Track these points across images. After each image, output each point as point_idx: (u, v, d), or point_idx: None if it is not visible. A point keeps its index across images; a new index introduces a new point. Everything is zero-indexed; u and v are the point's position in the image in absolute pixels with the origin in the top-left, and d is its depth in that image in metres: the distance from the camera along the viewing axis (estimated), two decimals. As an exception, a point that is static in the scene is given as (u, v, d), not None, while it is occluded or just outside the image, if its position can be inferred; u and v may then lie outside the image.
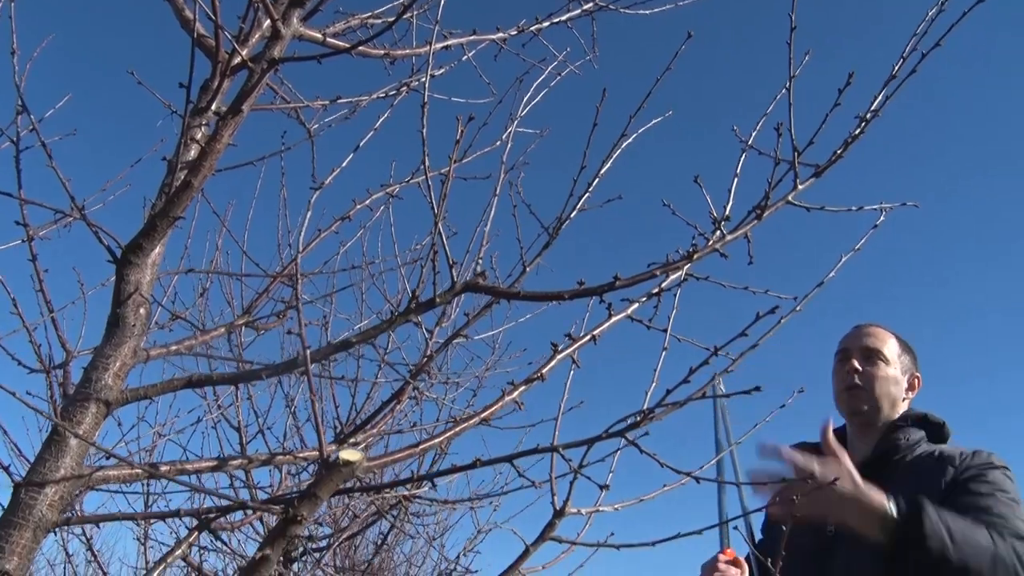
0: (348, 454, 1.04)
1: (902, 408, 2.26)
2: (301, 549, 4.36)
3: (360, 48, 1.53)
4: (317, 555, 3.82)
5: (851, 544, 1.99)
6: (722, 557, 2.20)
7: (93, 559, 4.09)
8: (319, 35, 1.59)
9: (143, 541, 4.26)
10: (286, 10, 1.44)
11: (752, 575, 2.25)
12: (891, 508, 1.80)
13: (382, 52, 1.72)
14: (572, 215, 1.66)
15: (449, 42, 1.79)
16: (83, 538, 4.12)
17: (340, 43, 1.59)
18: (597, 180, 1.69)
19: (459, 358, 4.04)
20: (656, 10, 2.19)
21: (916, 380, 2.32)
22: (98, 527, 1.46)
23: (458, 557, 4.04)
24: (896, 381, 2.25)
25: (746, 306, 1.57)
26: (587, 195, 1.67)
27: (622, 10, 2.14)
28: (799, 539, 1.85)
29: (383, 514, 3.84)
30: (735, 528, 2.00)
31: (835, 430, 2.15)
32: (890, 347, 2.27)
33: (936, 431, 2.21)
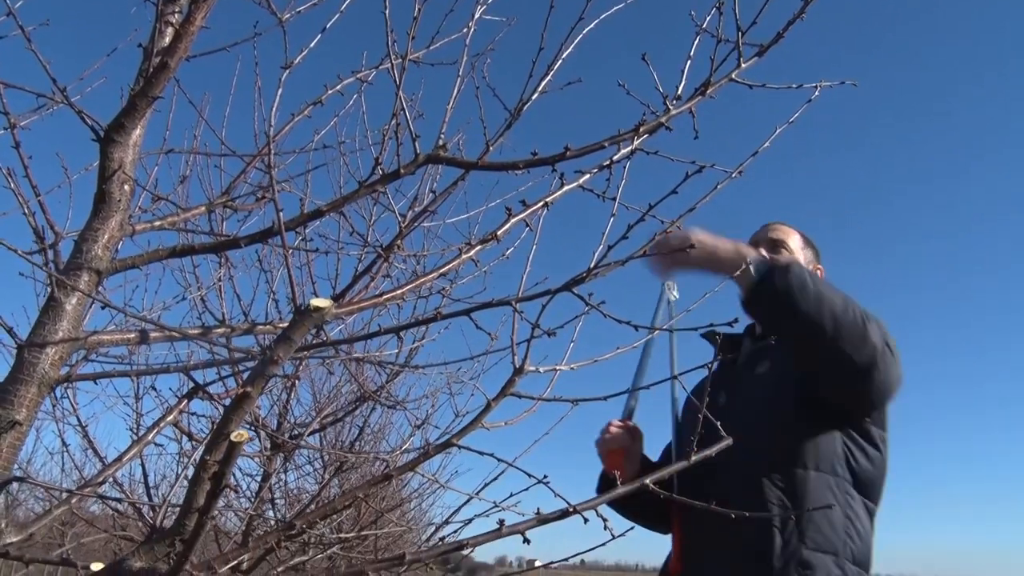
0: (318, 301, 1.16)
1: None
2: (287, 435, 4.56)
3: None
4: (300, 437, 4.00)
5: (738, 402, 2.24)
6: (615, 422, 2.38)
7: (89, 446, 4.27)
8: None
9: (136, 431, 4.43)
10: None
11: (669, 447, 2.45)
12: (753, 252, 2.08)
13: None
14: (533, 97, 1.74)
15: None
16: (79, 427, 4.29)
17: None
18: (559, 64, 1.77)
19: (434, 246, 4.15)
20: None
21: (819, 271, 2.50)
22: (96, 382, 1.59)
23: (437, 439, 4.23)
24: None
25: (696, 181, 1.69)
26: (547, 78, 1.75)
27: None
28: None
29: (364, 397, 4.01)
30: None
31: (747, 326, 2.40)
32: (794, 240, 2.47)
33: None
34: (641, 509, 2.43)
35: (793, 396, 2.10)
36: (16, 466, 1.58)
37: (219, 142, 2.45)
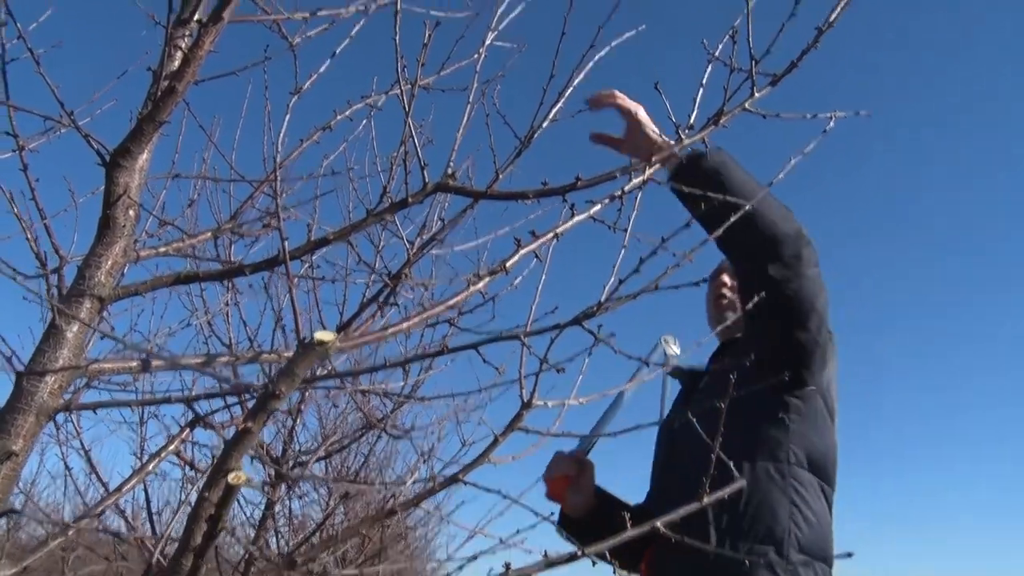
0: (322, 335, 1.13)
1: None
2: (292, 463, 4.52)
3: None
4: (305, 465, 3.96)
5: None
6: (563, 452, 2.34)
7: (92, 470, 4.24)
8: None
9: (140, 456, 4.40)
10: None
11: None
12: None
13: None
14: (544, 125, 1.72)
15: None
16: (82, 451, 4.26)
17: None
18: (570, 90, 1.75)
19: (443, 274, 4.13)
20: None
21: None
22: (96, 412, 1.56)
23: (443, 470, 4.19)
24: None
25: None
26: (558, 105, 1.73)
27: None
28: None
29: (369, 426, 3.97)
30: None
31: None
32: None
33: None
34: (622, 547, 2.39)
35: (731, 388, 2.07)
36: (17, 490, 1.55)
37: (228, 165, 2.44)
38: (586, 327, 1.27)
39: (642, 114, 2.07)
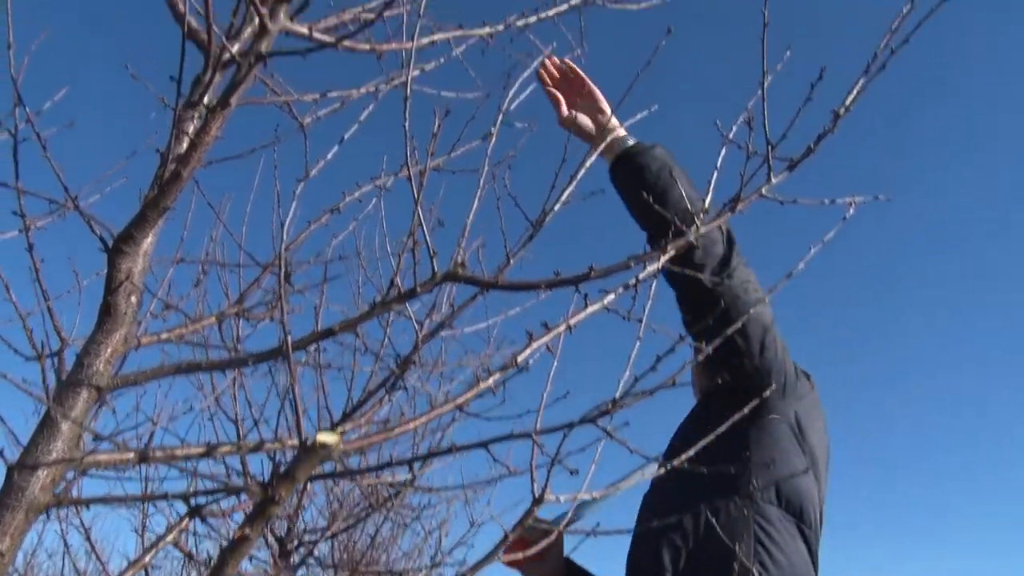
0: (325, 436, 1.07)
1: None
2: (296, 542, 4.41)
3: (345, 43, 1.56)
4: (311, 545, 3.86)
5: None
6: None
7: (91, 549, 4.15)
8: (305, 30, 1.62)
9: (141, 533, 4.31)
10: (273, 5, 1.48)
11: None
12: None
13: (368, 47, 1.75)
14: (556, 208, 1.69)
15: (435, 36, 1.83)
16: (81, 528, 4.18)
17: (326, 37, 1.62)
18: (582, 172, 1.72)
19: (453, 353, 4.09)
20: (643, 5, 2.22)
21: None
22: (89, 508, 1.50)
23: (451, 551, 4.08)
24: None
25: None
26: (570, 188, 1.70)
27: (609, 4, 2.17)
28: None
29: (375, 507, 3.89)
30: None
31: None
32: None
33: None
34: None
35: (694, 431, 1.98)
36: (13, 570, 1.49)
37: (235, 244, 2.42)
38: (600, 425, 1.22)
39: (604, 103, 2.16)
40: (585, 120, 2.18)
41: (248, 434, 3.99)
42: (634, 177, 2.00)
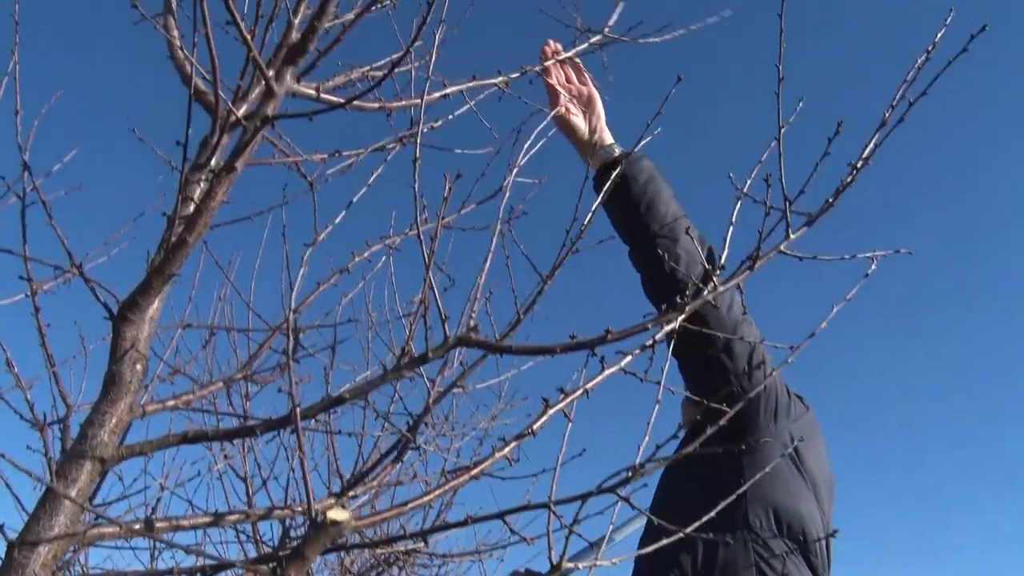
0: (336, 513, 1.03)
1: None
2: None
3: (355, 103, 1.55)
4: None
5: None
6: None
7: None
8: (313, 92, 1.60)
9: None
10: (280, 68, 1.47)
11: None
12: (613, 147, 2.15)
13: (377, 105, 1.74)
14: (564, 260, 1.66)
15: (448, 90, 1.81)
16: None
17: (334, 98, 1.61)
18: (588, 223, 1.69)
19: (464, 407, 4.04)
20: (666, 37, 2.19)
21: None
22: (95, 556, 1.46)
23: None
24: None
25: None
26: (579, 238, 1.67)
27: (633, 39, 2.14)
28: None
29: (384, 567, 3.82)
30: None
31: None
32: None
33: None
34: None
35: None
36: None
37: (244, 304, 2.39)
38: (620, 494, 1.18)
39: (599, 107, 2.16)
40: (578, 121, 2.16)
41: (257, 492, 3.94)
42: (620, 186, 1.99)
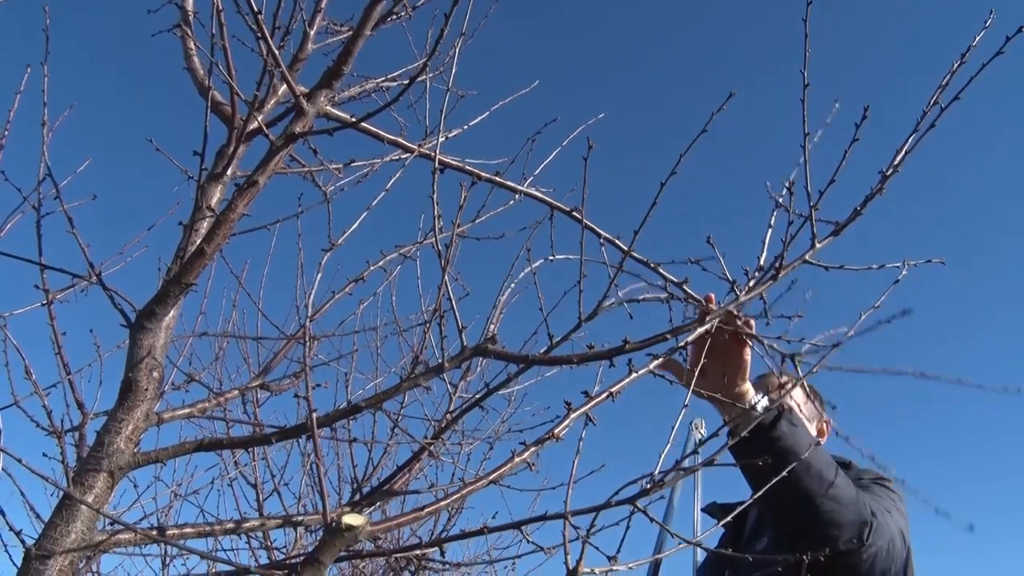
0: (351, 519, 1.02)
1: None
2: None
3: (391, 140, 1.55)
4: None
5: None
6: None
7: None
8: (348, 117, 1.58)
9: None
10: (313, 90, 1.46)
11: None
12: (759, 398, 1.75)
13: (399, 139, 1.73)
14: (605, 306, 1.63)
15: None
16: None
17: (344, 115, 1.60)
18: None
19: (474, 413, 4.02)
20: None
21: (825, 425, 2.30)
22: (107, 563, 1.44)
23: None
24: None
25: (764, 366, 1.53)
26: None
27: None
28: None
29: (395, 574, 3.81)
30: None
31: None
32: (795, 394, 2.22)
33: (844, 467, 2.12)
34: None
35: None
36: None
37: (256, 311, 2.38)
38: (639, 507, 1.16)
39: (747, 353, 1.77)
40: (715, 379, 1.75)
41: (268, 498, 3.92)
42: (775, 461, 1.55)
